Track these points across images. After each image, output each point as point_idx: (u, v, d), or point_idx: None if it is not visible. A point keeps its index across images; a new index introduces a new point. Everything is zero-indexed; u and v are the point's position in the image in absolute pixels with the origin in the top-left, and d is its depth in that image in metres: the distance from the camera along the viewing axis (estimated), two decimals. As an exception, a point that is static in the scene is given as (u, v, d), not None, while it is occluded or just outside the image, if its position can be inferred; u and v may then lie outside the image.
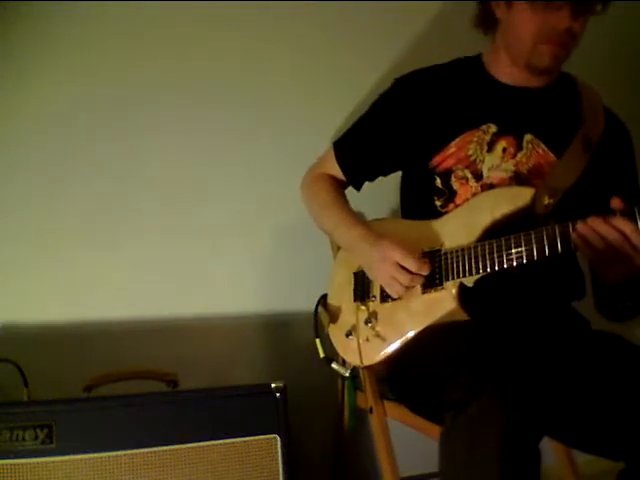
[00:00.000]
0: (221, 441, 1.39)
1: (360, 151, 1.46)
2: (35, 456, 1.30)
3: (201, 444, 1.38)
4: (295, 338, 1.78)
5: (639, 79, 2.00)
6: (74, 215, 1.64)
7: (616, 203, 1.09)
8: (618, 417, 1.14)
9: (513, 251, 1.17)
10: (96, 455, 1.32)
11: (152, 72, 1.68)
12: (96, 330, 1.64)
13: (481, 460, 0.99)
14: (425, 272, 1.24)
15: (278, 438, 1.41)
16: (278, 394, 1.42)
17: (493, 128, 1.34)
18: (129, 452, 1.34)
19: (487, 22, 1.37)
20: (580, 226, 1.10)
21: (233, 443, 1.39)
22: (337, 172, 1.49)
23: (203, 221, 1.73)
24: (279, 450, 1.41)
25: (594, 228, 1.09)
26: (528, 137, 1.33)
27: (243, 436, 1.40)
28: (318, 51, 1.80)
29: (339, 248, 1.52)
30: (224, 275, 1.75)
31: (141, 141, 1.68)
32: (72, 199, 1.64)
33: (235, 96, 1.74)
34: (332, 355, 1.42)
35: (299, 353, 1.73)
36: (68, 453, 1.31)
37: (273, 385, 1.43)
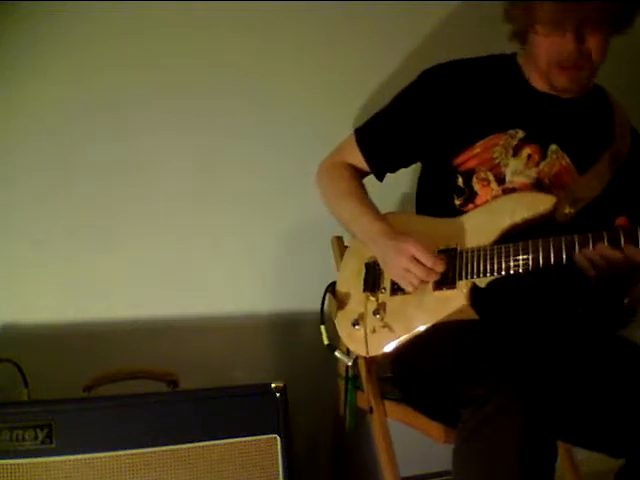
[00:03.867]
0: (221, 441, 1.39)
1: (384, 141, 1.43)
2: (35, 456, 1.29)
3: (201, 444, 1.38)
4: (295, 338, 1.77)
5: (639, 79, 2.00)
6: (74, 215, 1.64)
7: (621, 221, 1.12)
8: (619, 414, 1.14)
9: (530, 256, 1.16)
10: (96, 455, 1.32)
11: (152, 72, 1.68)
12: (96, 330, 1.64)
13: (501, 457, 1.00)
14: (440, 269, 1.23)
15: (278, 438, 1.41)
16: (278, 394, 1.42)
17: (521, 134, 1.33)
18: (129, 452, 1.34)
19: (520, 37, 1.35)
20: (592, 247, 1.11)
21: (233, 443, 1.39)
22: (357, 160, 1.45)
23: (204, 221, 1.73)
24: (279, 450, 1.41)
25: (602, 252, 1.10)
26: (553, 147, 1.32)
27: (243, 436, 1.40)
28: (321, 52, 1.80)
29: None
30: (224, 275, 1.75)
31: (141, 141, 1.68)
32: (72, 199, 1.64)
33: (236, 96, 1.74)
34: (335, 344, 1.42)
35: (299, 353, 1.73)
36: (68, 453, 1.31)
37: (273, 385, 1.43)
